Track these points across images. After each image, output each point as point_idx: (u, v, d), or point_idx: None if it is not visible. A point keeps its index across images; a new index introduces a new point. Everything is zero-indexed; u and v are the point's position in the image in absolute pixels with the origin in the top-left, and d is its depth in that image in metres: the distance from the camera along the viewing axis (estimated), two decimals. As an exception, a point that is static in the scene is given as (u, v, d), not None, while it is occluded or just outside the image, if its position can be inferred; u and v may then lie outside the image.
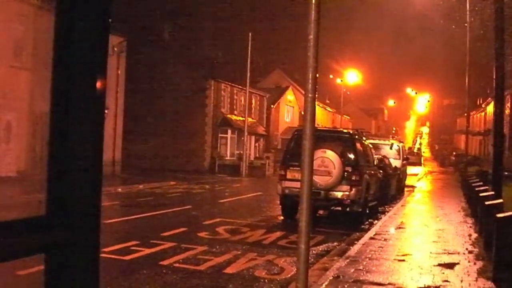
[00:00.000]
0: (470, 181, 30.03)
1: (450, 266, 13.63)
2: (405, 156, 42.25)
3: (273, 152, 61.68)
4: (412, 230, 20.85)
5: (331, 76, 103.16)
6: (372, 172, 24.88)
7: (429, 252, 15.70)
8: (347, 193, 21.70)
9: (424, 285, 11.55)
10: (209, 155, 56.18)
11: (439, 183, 53.53)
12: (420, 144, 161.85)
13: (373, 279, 11.87)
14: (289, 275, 12.69)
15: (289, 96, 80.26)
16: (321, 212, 24.41)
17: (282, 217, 22.73)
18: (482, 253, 15.23)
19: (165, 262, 13.66)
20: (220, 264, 13.87)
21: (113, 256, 14.01)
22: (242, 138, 55.88)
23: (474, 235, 18.70)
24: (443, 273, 12.83)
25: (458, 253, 15.52)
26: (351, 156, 22.31)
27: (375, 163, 26.50)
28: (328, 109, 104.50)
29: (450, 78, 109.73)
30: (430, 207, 30.55)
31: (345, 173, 21.68)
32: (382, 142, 39.47)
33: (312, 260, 14.65)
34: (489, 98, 64.85)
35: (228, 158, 58.00)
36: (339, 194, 21.74)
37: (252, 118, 63.84)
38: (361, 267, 13.10)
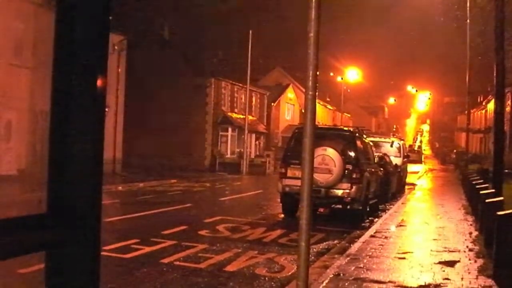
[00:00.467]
0: (470, 179, 30.01)
1: (451, 264, 13.64)
2: (405, 154, 42.22)
3: (274, 150, 61.70)
4: (412, 228, 20.85)
5: (331, 74, 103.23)
6: (373, 170, 24.87)
7: (430, 250, 15.70)
8: (347, 191, 21.69)
9: (425, 283, 11.55)
10: (209, 153, 56.17)
11: (440, 181, 53.52)
12: (421, 142, 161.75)
13: (373, 277, 11.87)
14: (290, 273, 12.70)
15: (290, 94, 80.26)
16: (321, 210, 24.41)
17: (282, 215, 22.73)
18: (483, 251, 15.23)
19: (166, 260, 13.67)
20: (221, 262, 13.87)
21: (113, 254, 14.02)
22: (243, 136, 55.89)
23: (475, 233, 18.70)
24: (444, 271, 12.84)
25: (459, 251, 15.52)
26: (352, 154, 22.30)
27: (375, 161, 26.51)
28: (329, 107, 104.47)
29: (451, 75, 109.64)
30: (430, 205, 30.54)
31: (346, 171, 21.67)
32: (382, 140, 39.53)
33: (313, 258, 14.65)
34: (490, 96, 64.85)
35: (228, 156, 57.97)
36: (339, 192, 21.74)
37: (253, 116, 63.85)
38: (361, 265, 13.10)
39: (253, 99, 65.76)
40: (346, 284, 11.19)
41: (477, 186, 22.57)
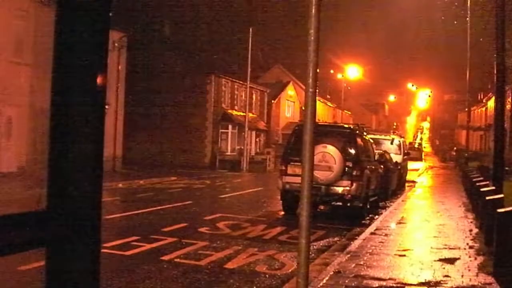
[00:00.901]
0: (471, 176, 30.00)
1: (451, 261, 13.64)
2: (406, 151, 42.22)
3: (274, 147, 61.68)
4: (413, 225, 20.86)
5: (332, 71, 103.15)
6: (373, 167, 24.87)
7: (430, 247, 15.70)
8: (348, 188, 21.69)
9: (425, 280, 11.55)
10: (209, 150, 56.17)
11: (440, 178, 53.51)
12: (421, 139, 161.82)
13: (374, 274, 11.88)
14: (290, 270, 12.70)
15: (290, 91, 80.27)
16: (322, 207, 24.42)
17: (283, 212, 22.73)
18: (483, 248, 15.23)
19: (166, 258, 13.67)
20: (221, 259, 13.88)
21: (114, 252, 14.02)
22: (243, 134, 55.87)
23: (475, 230, 18.70)
24: (444, 268, 12.84)
25: (459, 248, 15.52)
26: (352, 151, 22.30)
27: (376, 158, 26.51)
28: (329, 104, 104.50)
29: (451, 73, 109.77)
30: (431, 202, 30.54)
31: (346, 168, 21.67)
32: (383, 137, 39.47)
33: (313, 255, 14.66)
34: (490, 93, 64.84)
35: (228, 153, 57.98)
36: (340, 189, 21.74)
37: (253, 113, 63.86)
38: (362, 262, 13.11)
39: (254, 96, 65.76)
40: (347, 281, 11.20)
41: (477, 184, 22.56)
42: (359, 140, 23.40)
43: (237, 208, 24.82)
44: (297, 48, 76.28)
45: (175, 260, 13.53)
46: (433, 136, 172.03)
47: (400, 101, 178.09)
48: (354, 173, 21.83)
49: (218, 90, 57.72)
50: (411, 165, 54.43)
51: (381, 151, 30.57)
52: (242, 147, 55.64)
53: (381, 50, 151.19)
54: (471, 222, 20.80)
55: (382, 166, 27.91)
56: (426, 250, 15.33)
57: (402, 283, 11.20)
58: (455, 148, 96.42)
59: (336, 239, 17.68)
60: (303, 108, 7.53)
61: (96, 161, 2.18)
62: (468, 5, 42.82)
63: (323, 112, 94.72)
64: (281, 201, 22.87)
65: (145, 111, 53.10)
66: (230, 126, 59.18)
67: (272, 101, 74.00)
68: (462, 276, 12.04)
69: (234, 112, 59.89)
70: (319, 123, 25.85)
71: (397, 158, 35.87)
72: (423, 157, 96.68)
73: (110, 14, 2.13)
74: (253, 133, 63.93)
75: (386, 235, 17.68)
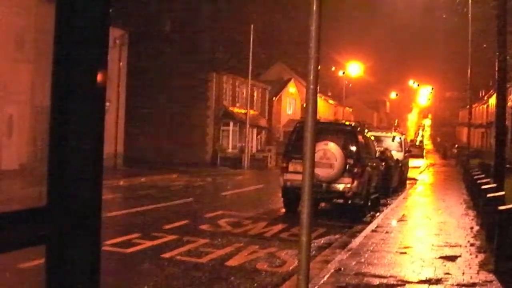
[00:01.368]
0: (472, 173, 30.01)
1: (452, 258, 13.65)
2: (407, 149, 42.25)
3: (275, 144, 61.72)
4: (414, 222, 20.87)
5: (333, 68, 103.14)
6: (374, 164, 24.86)
7: (431, 245, 15.71)
8: (349, 185, 21.68)
9: (426, 277, 11.56)
10: (211, 147, 56.17)
11: (441, 175, 53.53)
12: (422, 136, 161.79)
13: (374, 272, 11.88)
14: (291, 268, 12.70)
15: (291, 88, 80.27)
16: (323, 204, 24.43)
17: (284, 210, 22.70)
18: (484, 245, 15.24)
19: (167, 255, 13.67)
20: (222, 256, 13.88)
21: (114, 249, 14.02)
22: (244, 131, 55.87)
23: (476, 228, 18.71)
24: (445, 265, 12.85)
25: (460, 245, 15.53)
26: (353, 148, 22.28)
27: (377, 156, 26.50)
28: (330, 101, 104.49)
29: (453, 70, 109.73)
30: (432, 200, 30.55)
31: (347, 166, 21.65)
32: (384, 134, 39.52)
33: (314, 252, 14.67)
34: (492, 91, 64.78)
35: (230, 150, 57.97)
36: (341, 187, 21.72)
37: (254, 111, 63.87)
38: (362, 260, 13.11)
39: (255, 93, 65.76)
40: (347, 279, 11.20)
41: (479, 181, 22.58)
42: (360, 137, 23.38)
43: (238, 205, 24.84)
44: (298, 45, 76.31)
45: (176, 257, 13.53)
46: (434, 133, 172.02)
47: (401, 98, 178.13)
48: (355, 170, 21.81)
49: (220, 87, 57.71)
50: (412, 162, 54.44)
51: (382, 148, 30.56)
52: (243, 144, 55.64)
53: (383, 47, 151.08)
54: (472, 220, 20.80)
55: (383, 164, 27.91)
56: (427, 248, 15.34)
57: (403, 281, 11.21)
58: (456, 146, 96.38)
59: (337, 236, 17.68)
60: (304, 105, 7.53)
61: (96, 158, 2.17)
62: (470, 2, 42.78)
63: (324, 109, 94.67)
64: (282, 199, 22.85)
65: (146, 108, 53.09)
66: (231, 123, 59.18)
67: (274, 98, 74.00)
68: (463, 273, 12.05)
69: (236, 109, 59.88)
70: (320, 121, 25.86)
71: (398, 155, 35.86)
72: (424, 154, 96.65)
73: (110, 10, 2.12)
74: (254, 130, 63.92)
75: (387, 232, 17.69)
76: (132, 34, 45.45)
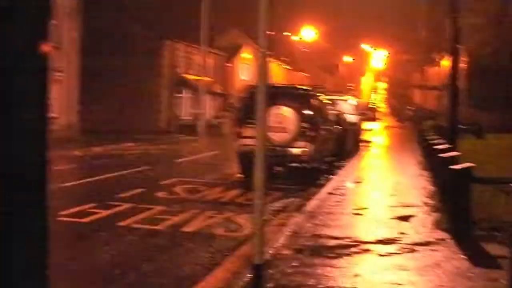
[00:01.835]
0: (426, 134, 30.30)
1: (406, 218, 13.81)
2: (361, 112, 42.48)
3: (230, 110, 61.62)
4: (368, 184, 21.06)
5: (288, 34, 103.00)
6: (328, 128, 24.96)
7: (386, 206, 15.90)
8: (303, 149, 21.76)
9: (381, 238, 11.68)
10: (166, 115, 55.94)
11: (396, 137, 53.97)
12: (377, 99, 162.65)
13: (330, 233, 11.98)
14: (247, 232, 12.74)
15: (246, 54, 80.00)
16: (278, 168, 24.53)
17: (240, 175, 22.72)
18: (438, 205, 15.41)
19: (123, 223, 13.63)
20: (178, 223, 13.88)
21: (70, 219, 13.98)
22: (199, 97, 55.69)
23: (430, 188, 18.92)
24: (400, 225, 13.01)
25: (414, 205, 15.72)
26: (307, 112, 22.32)
27: (331, 119, 26.58)
28: (285, 66, 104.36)
29: (407, 33, 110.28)
30: (386, 161, 30.85)
31: (301, 129, 21.73)
32: (338, 98, 39.52)
33: (270, 216, 14.75)
34: (444, 53, 65.22)
35: (185, 118, 57.79)
36: (296, 151, 21.80)
37: (208, 77, 63.55)
38: (318, 222, 13.20)
39: (209, 60, 65.44)
40: (303, 240, 11.28)
41: (432, 142, 22.80)
42: (313, 101, 23.42)
43: (194, 172, 24.82)
44: (252, 10, 75.84)
45: (132, 225, 13.50)
46: (389, 96, 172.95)
47: (356, 62, 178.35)
48: (309, 134, 21.89)
49: (173, 54, 57.39)
50: (367, 125, 54.79)
51: (337, 112, 30.64)
52: (198, 111, 55.49)
53: (338, 12, 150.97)
54: (427, 180, 21.03)
55: (337, 127, 28.03)
56: (382, 208, 15.51)
57: (358, 241, 11.32)
58: (410, 108, 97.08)
59: (293, 200, 17.78)
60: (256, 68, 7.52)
61: (42, 127, 2.16)
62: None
63: (279, 74, 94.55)
64: (237, 164, 22.88)
65: (100, 77, 52.56)
66: (185, 91, 58.92)
67: (228, 64, 73.77)
68: (417, 232, 12.21)
69: (190, 76, 59.56)
70: (274, 85, 25.84)
71: (352, 118, 36.03)
72: (379, 117, 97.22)
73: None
74: (209, 96, 63.70)
75: (342, 194, 17.84)
76: (84, 3, 44.91)
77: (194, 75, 59.24)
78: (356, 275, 9.06)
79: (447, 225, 12.36)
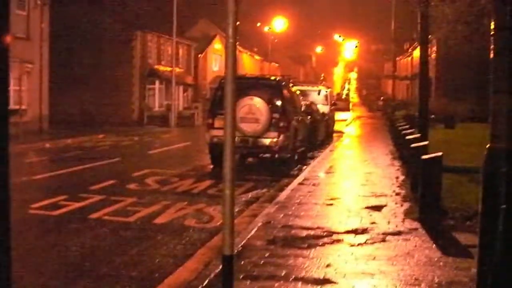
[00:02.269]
0: (397, 124, 30.40)
1: (378, 208, 13.85)
2: (332, 102, 42.57)
3: (202, 101, 61.52)
4: (340, 174, 21.10)
5: (258, 24, 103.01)
6: (300, 118, 25.01)
7: (358, 196, 15.93)
8: (275, 139, 21.81)
9: (353, 228, 11.71)
10: (137, 106, 55.69)
11: (367, 127, 54.12)
12: (348, 89, 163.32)
13: (302, 224, 11.98)
14: (219, 223, 12.69)
15: (217, 45, 79.87)
16: (250, 159, 24.53)
17: (211, 166, 22.69)
18: (409, 194, 15.50)
19: (94, 216, 13.57)
20: (150, 215, 13.84)
21: (40, 212, 13.92)
22: (170, 89, 55.55)
23: (401, 177, 19.02)
24: (371, 215, 13.04)
25: (386, 195, 15.77)
26: (278, 102, 22.35)
27: (302, 110, 26.63)
28: (256, 57, 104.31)
29: (378, 24, 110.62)
30: (358, 151, 30.93)
31: (273, 120, 21.76)
32: (309, 88, 39.59)
33: (242, 207, 14.77)
34: (415, 43, 65.42)
35: (156, 109, 57.62)
36: (267, 141, 21.84)
37: (180, 68, 63.37)
38: (290, 213, 13.21)
39: (180, 51, 65.21)
40: (275, 231, 11.28)
41: (404, 132, 22.89)
42: (285, 91, 23.45)
43: (166, 163, 24.75)
44: (223, 1, 75.62)
45: (104, 217, 13.45)
46: (360, 86, 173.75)
47: (327, 53, 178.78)
48: (281, 124, 21.93)
49: (144, 45, 57.12)
50: (339, 115, 54.96)
51: (308, 102, 30.69)
52: (170, 103, 55.36)
53: (309, 2, 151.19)
54: (398, 170, 21.14)
55: (309, 117, 28.08)
56: (353, 198, 15.55)
57: (330, 231, 11.33)
58: (382, 98, 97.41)
59: (264, 190, 17.78)
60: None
61: (1, 120, 2.12)
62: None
63: (250, 65, 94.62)
64: (209, 155, 22.86)
65: (71, 69, 52.23)
66: (157, 82, 58.73)
67: (199, 55, 73.60)
68: (389, 222, 12.26)
69: (161, 68, 59.35)
70: (245, 76, 25.84)
71: (324, 108, 36.13)
72: (350, 107, 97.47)
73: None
74: (181, 88, 63.52)
75: (314, 185, 17.85)
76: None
77: (166, 66, 59.05)
78: (328, 265, 9.07)
79: (418, 215, 12.41)
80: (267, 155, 22.85)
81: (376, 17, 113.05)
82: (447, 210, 12.41)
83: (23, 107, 36.44)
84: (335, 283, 8.26)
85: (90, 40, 53.25)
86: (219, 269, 8.08)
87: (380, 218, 12.67)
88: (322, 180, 19.12)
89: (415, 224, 11.93)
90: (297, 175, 20.54)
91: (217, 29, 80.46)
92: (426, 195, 12.20)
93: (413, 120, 28.46)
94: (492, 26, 6.35)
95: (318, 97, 37.58)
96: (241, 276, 8.29)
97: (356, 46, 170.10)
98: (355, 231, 11.40)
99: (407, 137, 19.31)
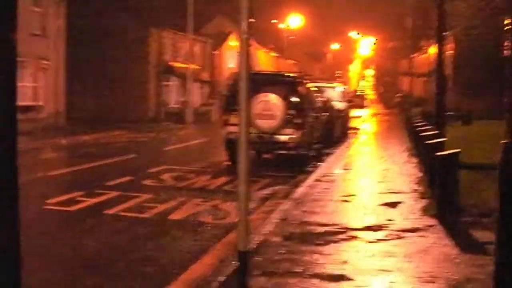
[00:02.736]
0: (414, 121, 30.30)
1: (394, 205, 13.79)
2: (349, 99, 42.49)
3: (218, 98, 61.50)
4: (357, 171, 21.04)
5: (275, 21, 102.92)
6: (316, 115, 24.95)
7: (374, 192, 15.88)
8: (291, 136, 21.76)
9: (369, 224, 11.66)
10: (153, 103, 55.75)
11: (384, 124, 54.00)
12: (364, 86, 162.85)
13: (318, 220, 11.95)
14: (234, 220, 12.69)
15: (232, 41, 79.88)
16: (266, 156, 24.50)
17: (227, 163, 22.68)
18: (426, 191, 15.40)
19: (111, 211, 13.59)
20: (165, 211, 13.84)
21: (57, 208, 13.94)
22: (186, 85, 55.57)
23: (419, 174, 18.92)
24: (388, 212, 12.98)
25: (403, 192, 15.70)
26: (295, 99, 22.28)
27: (318, 106, 26.57)
28: (272, 54, 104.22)
29: (394, 21, 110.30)
30: (375, 148, 30.84)
31: (289, 116, 21.71)
32: (325, 85, 39.48)
33: (258, 203, 14.73)
34: (432, 40, 65.19)
35: (172, 106, 57.65)
36: (283, 138, 21.80)
37: (196, 65, 63.39)
38: (306, 209, 13.18)
39: (196, 47, 65.25)
40: (291, 228, 11.25)
41: (420, 128, 22.81)
42: (301, 88, 23.39)
43: (182, 159, 24.75)
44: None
45: (120, 213, 13.46)
46: (377, 83, 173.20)
47: (343, 50, 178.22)
48: (297, 121, 21.88)
49: (160, 42, 57.18)
50: (355, 112, 54.83)
51: (324, 99, 30.62)
52: (186, 99, 55.37)
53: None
54: (415, 167, 21.04)
55: (325, 114, 28.02)
56: (370, 195, 15.50)
57: (346, 228, 11.30)
58: (398, 95, 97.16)
59: (280, 187, 17.72)
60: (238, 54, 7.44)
61: (8, 116, 2.10)
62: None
63: (267, 61, 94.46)
64: (225, 151, 22.84)
65: (88, 66, 52.37)
66: (173, 78, 58.75)
67: (215, 51, 73.60)
68: (406, 219, 12.19)
69: (177, 64, 59.35)
70: (261, 72, 25.79)
71: (340, 105, 36.02)
72: (366, 104, 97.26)
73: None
74: (197, 84, 63.56)
75: (330, 181, 17.81)
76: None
77: (182, 63, 59.06)
78: (344, 262, 9.04)
79: (435, 212, 12.35)
80: (284, 151, 22.81)
81: (393, 14, 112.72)
82: (464, 207, 12.35)
83: (40, 103, 36.58)
84: (351, 279, 8.23)
85: (106, 37, 53.30)
86: (235, 265, 8.06)
87: (397, 215, 12.62)
88: (338, 177, 19.07)
89: (432, 221, 11.87)
90: (313, 171, 20.48)
91: (232, 25, 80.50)
92: (443, 192, 12.14)
93: (430, 117, 28.37)
94: (506, 22, 6.30)
95: (334, 93, 37.48)
96: (257, 272, 8.26)
97: (375, 43, 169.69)
98: (371, 228, 11.35)
99: (423, 134, 19.25)
